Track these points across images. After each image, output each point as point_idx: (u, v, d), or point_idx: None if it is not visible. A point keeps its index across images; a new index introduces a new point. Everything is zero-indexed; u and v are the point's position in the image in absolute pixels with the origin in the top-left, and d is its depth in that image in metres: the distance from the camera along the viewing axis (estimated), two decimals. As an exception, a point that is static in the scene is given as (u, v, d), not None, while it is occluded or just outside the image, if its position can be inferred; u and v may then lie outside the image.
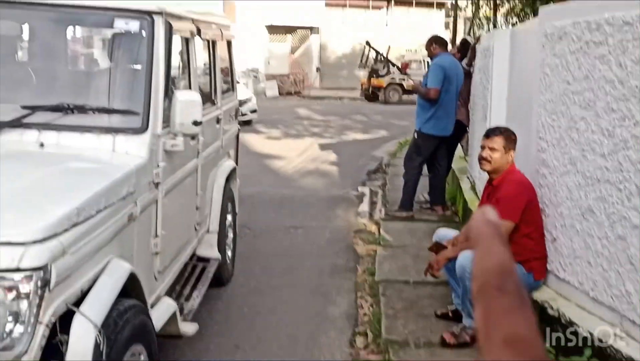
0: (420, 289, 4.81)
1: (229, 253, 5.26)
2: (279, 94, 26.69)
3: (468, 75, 7.29)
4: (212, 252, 4.68)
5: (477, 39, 7.72)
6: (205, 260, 4.63)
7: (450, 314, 4.22)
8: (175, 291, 4.00)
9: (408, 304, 4.55)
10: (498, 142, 4.00)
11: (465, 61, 7.48)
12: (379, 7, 32.45)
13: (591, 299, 3.48)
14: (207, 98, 4.53)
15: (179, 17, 3.73)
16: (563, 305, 3.63)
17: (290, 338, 4.30)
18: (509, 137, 4.03)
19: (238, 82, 15.36)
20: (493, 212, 0.39)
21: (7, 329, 2.05)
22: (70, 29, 4.26)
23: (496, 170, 4.00)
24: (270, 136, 14.39)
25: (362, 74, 26.26)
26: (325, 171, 10.49)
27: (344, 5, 31.72)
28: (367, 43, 24.71)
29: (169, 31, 3.40)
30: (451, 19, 24.87)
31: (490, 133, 4.11)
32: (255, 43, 28.50)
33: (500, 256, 0.37)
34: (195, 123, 3.35)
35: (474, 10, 17.86)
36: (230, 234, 5.37)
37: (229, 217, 5.27)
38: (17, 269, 2.04)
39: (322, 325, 4.51)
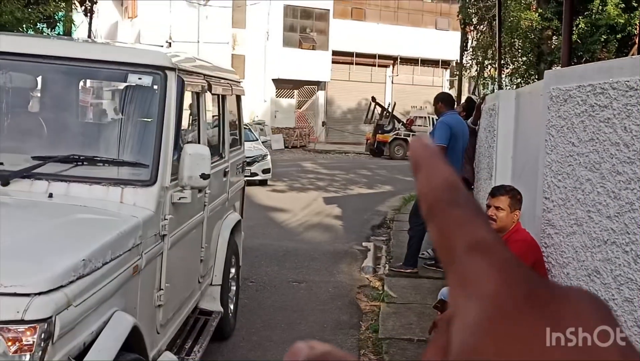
0: (424, 348, 4.73)
1: (232, 306, 5.22)
2: (285, 147, 26.92)
3: (473, 133, 7.37)
4: (215, 305, 4.65)
5: (483, 99, 7.82)
6: (208, 313, 4.59)
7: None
8: (176, 344, 3.96)
9: (412, 363, 4.48)
10: (504, 201, 4.00)
11: (470, 120, 7.57)
12: (385, 65, 33.00)
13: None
14: (215, 151, 4.58)
15: (191, 73, 3.80)
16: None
17: (291, 396, 4.21)
18: (515, 196, 4.04)
19: (256, 139, 15.46)
20: (428, 138, 0.38)
21: (9, 382, 2.03)
22: (82, 81, 4.35)
23: (501, 229, 4.00)
24: (275, 189, 14.43)
25: (368, 129, 26.54)
26: (329, 224, 10.48)
27: (351, 63, 32.26)
28: (373, 99, 25.09)
29: (181, 86, 3.46)
30: (456, 78, 25.24)
31: (496, 192, 4.12)
32: (262, 96, 28.91)
33: (445, 172, 0.36)
34: (204, 176, 3.37)
35: (478, 70, 18.16)
36: (234, 287, 5.34)
37: (233, 270, 5.25)
38: (22, 321, 2.03)
39: (325, 383, 4.42)
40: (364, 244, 8.87)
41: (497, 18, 11.02)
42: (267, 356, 4.84)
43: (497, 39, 11.05)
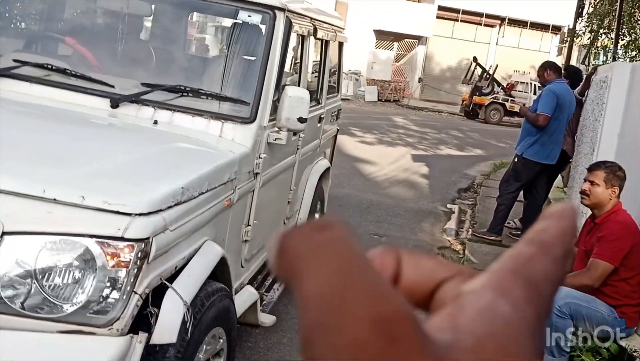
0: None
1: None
2: (378, 99, 26.68)
3: (579, 104, 7.04)
4: (297, 247, 4.73)
5: (594, 69, 7.43)
6: (289, 255, 4.68)
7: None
8: (257, 280, 4.07)
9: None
10: (600, 176, 3.82)
11: (577, 90, 7.23)
12: (492, 25, 31.83)
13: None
14: (313, 96, 4.59)
15: (299, 15, 3.79)
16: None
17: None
18: (614, 172, 3.84)
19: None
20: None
21: (104, 293, 2.14)
22: (191, 15, 4.43)
23: (596, 205, 3.84)
24: (364, 140, 14.40)
25: (465, 89, 25.87)
26: (415, 182, 10.40)
27: (456, 19, 31.31)
28: (475, 59, 24.35)
29: (288, 28, 3.46)
30: (565, 45, 24.09)
31: (593, 166, 3.95)
32: (361, 46, 28.60)
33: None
34: (301, 120, 3.40)
35: (591, 38, 17.22)
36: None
37: (317, 215, 5.32)
38: (121, 238, 2.13)
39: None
40: (448, 206, 8.77)
41: (620, -15, 10.35)
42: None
43: (618, 6, 10.41)
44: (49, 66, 3.28)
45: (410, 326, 0.26)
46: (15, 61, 3.31)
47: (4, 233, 2.07)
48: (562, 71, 7.01)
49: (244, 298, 3.32)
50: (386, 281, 0.29)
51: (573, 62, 18.76)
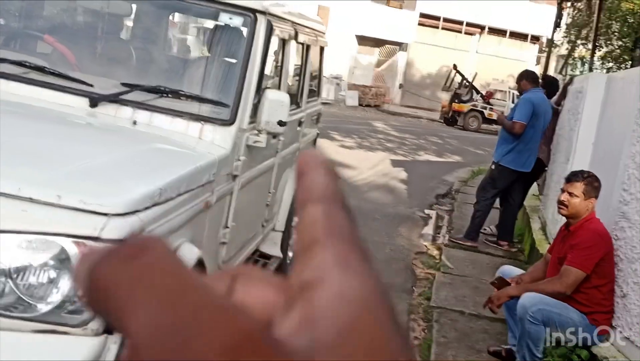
0: (475, 323, 4.73)
1: (290, 253, 5.31)
2: (359, 104, 26.77)
3: (555, 113, 7.13)
4: (275, 250, 4.74)
5: (570, 80, 7.54)
6: (267, 257, 4.69)
7: (503, 353, 4.13)
8: (234, 282, 4.06)
9: (461, 335, 4.48)
10: (578, 187, 3.89)
11: (554, 99, 7.33)
12: (472, 33, 32.11)
13: (655, 364, 3.35)
14: (293, 100, 4.60)
15: (280, 18, 3.81)
16: (623, 365, 3.51)
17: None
18: (592, 183, 3.91)
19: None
20: (319, 152, 0.32)
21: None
22: (172, 15, 4.42)
23: (574, 216, 3.90)
24: (344, 145, 14.43)
25: (445, 96, 26.05)
26: (394, 187, 10.45)
27: (437, 26, 31.53)
28: (455, 67, 24.55)
29: (270, 31, 3.48)
30: (544, 54, 24.36)
31: (571, 177, 4.00)
32: (343, 51, 28.67)
33: (328, 180, 0.28)
34: (281, 123, 3.41)
35: (569, 49, 17.46)
36: (294, 236, 5.42)
37: (296, 218, 5.32)
38: (98, 238, 2.13)
39: (371, 341, 4.48)
40: (426, 211, 8.82)
41: (598, -3, 10.52)
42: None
43: (595, 17, 10.58)
44: (27, 64, 3.26)
45: (264, 343, 0.23)
46: (-7, 57, 3.28)
47: (-22, 231, 2.05)
48: (540, 81, 7.10)
49: (220, 300, 3.32)
50: (227, 301, 0.26)
51: (551, 71, 18.98)
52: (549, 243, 5.76)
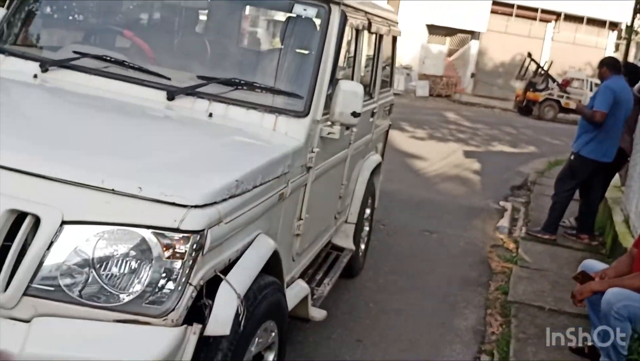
0: (556, 318, 4.57)
1: (363, 246, 5.28)
2: (430, 95, 26.41)
3: (637, 102, 6.81)
4: (348, 242, 4.72)
5: (657, 65, 7.17)
6: (340, 249, 4.67)
7: (586, 350, 3.97)
8: (307, 274, 4.07)
9: (541, 331, 4.33)
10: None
11: (637, 87, 6.99)
12: (547, 20, 31.09)
13: None
14: (366, 91, 4.55)
15: (354, 9, 3.76)
16: None
17: (412, 343, 4.24)
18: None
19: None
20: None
21: (160, 284, 2.16)
22: (246, 8, 4.44)
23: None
24: (415, 136, 14.27)
25: (519, 85, 25.40)
26: (467, 178, 10.25)
27: (510, 14, 30.70)
28: (529, 55, 23.89)
29: (343, 22, 3.44)
30: (623, 42, 23.36)
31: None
32: (413, 40, 28.32)
33: None
34: (354, 114, 3.36)
35: (653, 33, 16.68)
36: (366, 228, 5.39)
37: (368, 210, 5.29)
38: (177, 230, 2.14)
39: (447, 335, 4.41)
40: (501, 203, 8.62)
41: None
42: (393, 300, 4.88)
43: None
44: (108, 58, 3.33)
45: None
46: (74, 52, 3.37)
47: (63, 222, 2.10)
48: (621, 68, 6.79)
49: (295, 292, 3.31)
50: None
51: (631, 59, 18.16)
52: (633, 237, 5.52)
